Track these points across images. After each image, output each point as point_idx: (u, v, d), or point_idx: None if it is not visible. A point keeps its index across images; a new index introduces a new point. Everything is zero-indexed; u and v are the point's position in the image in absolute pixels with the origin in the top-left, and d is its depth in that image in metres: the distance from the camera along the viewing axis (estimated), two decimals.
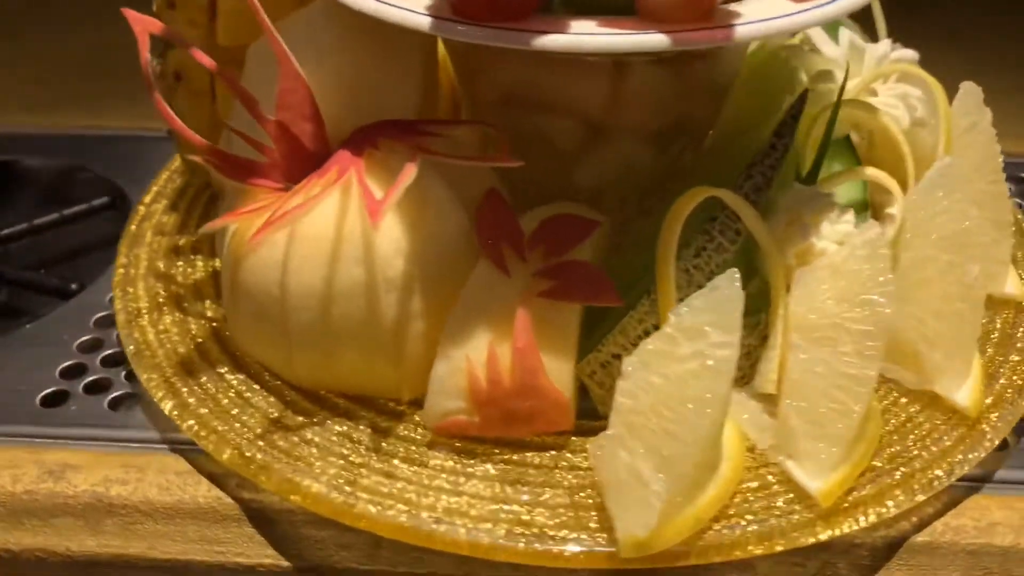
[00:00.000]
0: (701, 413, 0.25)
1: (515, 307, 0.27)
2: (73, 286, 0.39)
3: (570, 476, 0.28)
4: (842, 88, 0.33)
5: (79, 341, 0.35)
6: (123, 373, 0.33)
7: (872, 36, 0.42)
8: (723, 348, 0.25)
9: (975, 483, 0.29)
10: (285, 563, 0.28)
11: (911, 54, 0.38)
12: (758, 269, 0.29)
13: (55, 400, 0.33)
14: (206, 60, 0.30)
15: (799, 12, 0.25)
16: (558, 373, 0.28)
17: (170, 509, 0.29)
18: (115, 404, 0.32)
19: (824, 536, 0.26)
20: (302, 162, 0.30)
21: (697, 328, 0.25)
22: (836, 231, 0.29)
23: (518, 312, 0.27)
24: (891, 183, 0.31)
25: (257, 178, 0.30)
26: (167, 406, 0.30)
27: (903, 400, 0.30)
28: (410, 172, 0.26)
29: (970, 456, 0.28)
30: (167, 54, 0.37)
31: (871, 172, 0.32)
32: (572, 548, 0.25)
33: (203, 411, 0.29)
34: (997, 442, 0.29)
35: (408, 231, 0.28)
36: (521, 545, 0.25)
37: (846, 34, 0.37)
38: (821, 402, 0.27)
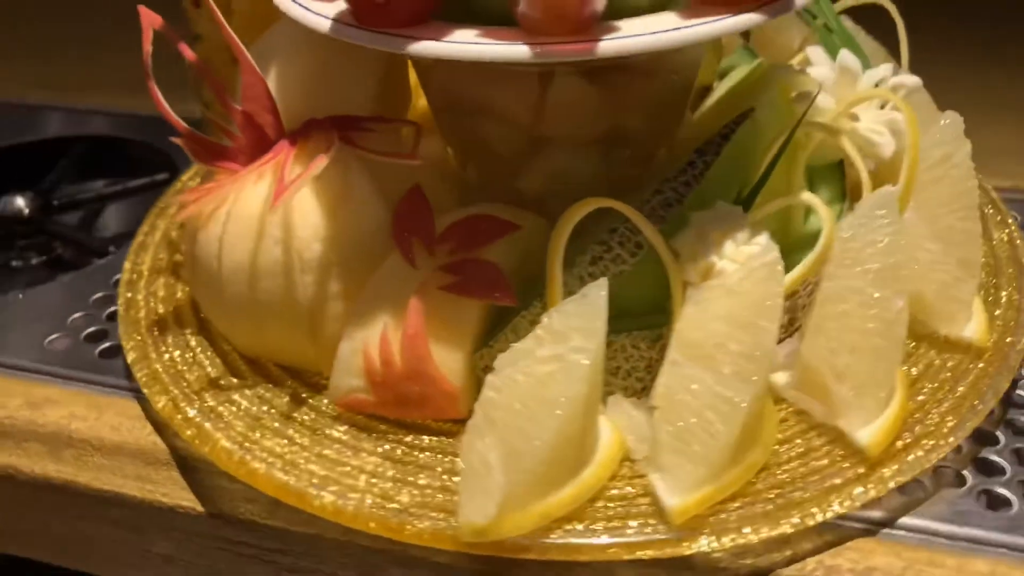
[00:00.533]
0: (551, 414, 0.26)
1: (416, 295, 0.29)
2: (111, 248, 0.44)
3: (447, 461, 0.29)
4: (805, 112, 0.32)
5: (95, 296, 0.40)
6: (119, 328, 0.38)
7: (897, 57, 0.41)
8: (581, 353, 0.26)
9: (871, 526, 0.28)
10: (200, 508, 0.31)
11: (913, 80, 0.36)
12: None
13: (57, 343, 0.38)
14: (188, 53, 0.33)
15: (677, 29, 0.25)
16: (449, 363, 0.29)
17: (115, 447, 0.33)
18: (104, 353, 0.37)
19: (669, 552, 0.26)
20: (263, 150, 0.33)
21: (563, 332, 0.26)
22: (740, 252, 0.28)
23: (412, 301, 0.29)
24: (823, 210, 0.30)
25: (224, 161, 0.33)
26: (130, 357, 0.34)
27: (811, 432, 0.29)
28: (320, 162, 0.29)
29: (854, 495, 0.27)
30: (195, 46, 0.41)
31: (806, 197, 0.31)
32: (419, 524, 0.27)
33: (156, 366, 0.33)
34: (892, 486, 0.27)
35: (327, 218, 0.30)
36: (378, 513, 0.27)
37: (844, 56, 0.36)
38: (691, 420, 0.27)
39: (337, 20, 0.26)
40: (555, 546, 0.26)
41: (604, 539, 0.26)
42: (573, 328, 0.26)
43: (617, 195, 0.31)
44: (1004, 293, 0.34)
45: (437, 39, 0.25)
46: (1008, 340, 0.32)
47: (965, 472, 0.30)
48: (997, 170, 0.43)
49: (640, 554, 0.26)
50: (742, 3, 0.26)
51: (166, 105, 0.33)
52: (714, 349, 0.27)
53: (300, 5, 0.27)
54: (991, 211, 0.39)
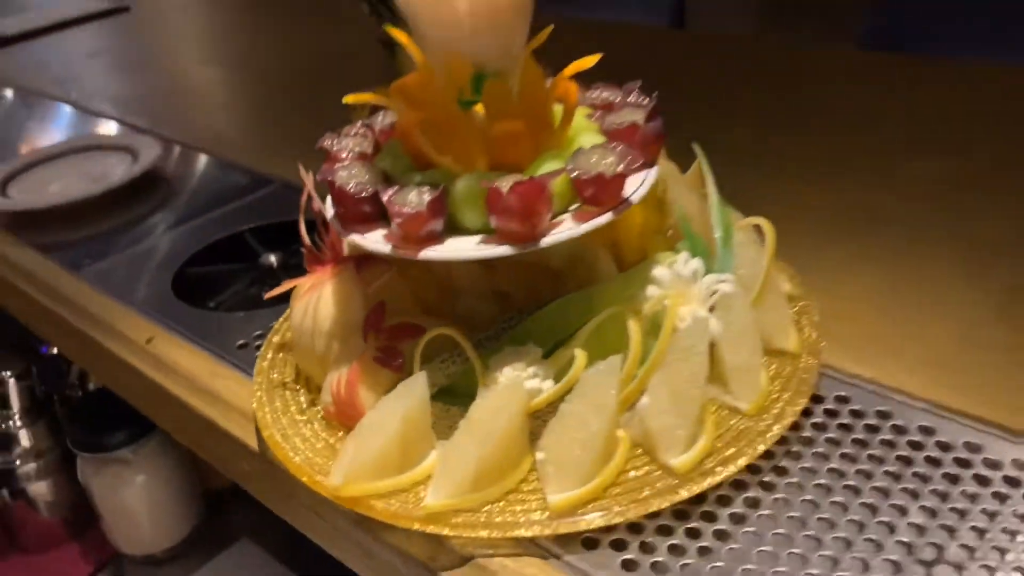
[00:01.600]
0: (388, 425, 0.49)
1: (359, 359, 0.53)
2: None
3: None
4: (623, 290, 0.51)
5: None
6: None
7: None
8: (405, 399, 0.48)
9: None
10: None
11: (727, 287, 0.52)
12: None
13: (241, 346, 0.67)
14: (319, 207, 0.61)
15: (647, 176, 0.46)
16: (367, 399, 0.53)
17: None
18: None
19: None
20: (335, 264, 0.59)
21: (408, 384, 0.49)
22: (515, 374, 0.49)
23: (355, 362, 0.53)
24: (579, 358, 0.49)
25: (316, 265, 0.60)
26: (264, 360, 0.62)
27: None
28: (329, 276, 0.54)
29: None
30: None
31: (577, 350, 0.50)
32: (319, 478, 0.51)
33: (273, 375, 0.61)
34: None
35: (337, 308, 0.55)
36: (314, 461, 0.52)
37: (686, 263, 0.53)
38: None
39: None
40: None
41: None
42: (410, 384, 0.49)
43: (508, 324, 0.52)
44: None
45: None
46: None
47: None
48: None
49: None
50: (603, 208, 0.47)
51: (305, 237, 0.61)
52: None
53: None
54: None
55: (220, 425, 0.61)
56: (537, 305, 0.54)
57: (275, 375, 0.60)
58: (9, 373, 0.85)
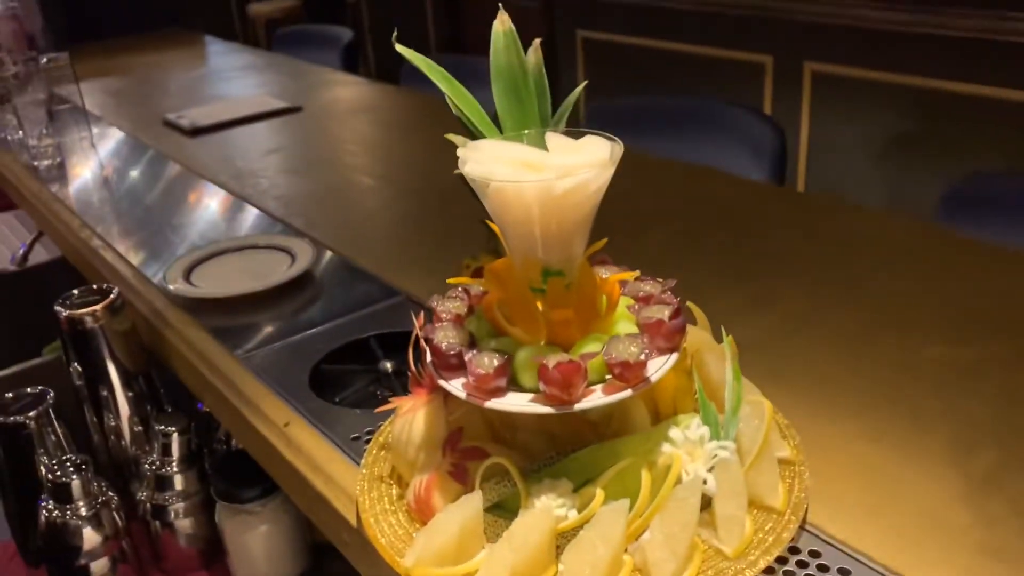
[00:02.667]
0: (451, 523, 0.65)
1: (436, 470, 0.70)
2: None
3: None
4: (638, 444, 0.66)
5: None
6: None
7: None
8: (469, 508, 0.65)
9: None
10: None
11: (726, 453, 0.66)
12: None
13: (354, 439, 0.85)
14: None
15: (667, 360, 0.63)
16: (439, 502, 0.69)
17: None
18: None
19: None
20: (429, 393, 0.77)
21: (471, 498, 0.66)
22: (548, 502, 0.64)
23: (432, 472, 0.70)
24: (598, 499, 0.64)
25: (417, 388, 0.78)
26: (369, 456, 0.80)
27: None
28: (427, 401, 0.72)
29: None
30: None
31: (598, 493, 0.65)
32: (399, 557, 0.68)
33: (375, 470, 0.79)
34: None
35: (427, 427, 0.73)
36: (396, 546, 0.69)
37: (696, 427, 0.68)
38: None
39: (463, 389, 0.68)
40: None
41: None
42: (470, 498, 0.65)
43: (559, 456, 0.69)
44: None
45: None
46: None
47: None
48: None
49: None
50: (627, 384, 0.63)
51: (412, 365, 0.79)
52: None
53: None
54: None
55: (331, 502, 0.79)
56: (577, 446, 0.70)
57: (376, 469, 0.78)
58: (175, 429, 1.07)
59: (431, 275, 0.77)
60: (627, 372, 0.63)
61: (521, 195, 0.62)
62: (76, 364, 1.11)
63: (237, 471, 1.03)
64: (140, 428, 1.14)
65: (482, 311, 0.70)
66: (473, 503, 0.65)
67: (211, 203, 1.53)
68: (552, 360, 0.62)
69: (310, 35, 3.14)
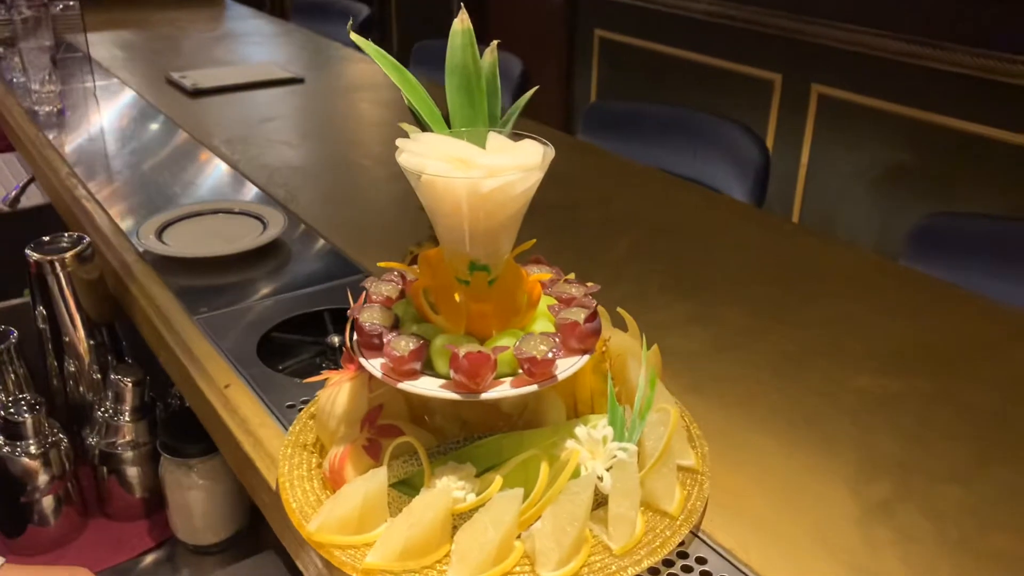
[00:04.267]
0: (353, 493, 0.68)
1: (352, 443, 0.73)
2: None
3: None
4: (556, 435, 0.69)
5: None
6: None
7: None
8: (374, 480, 0.68)
9: None
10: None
11: (624, 454, 0.69)
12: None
13: (289, 406, 0.89)
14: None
15: (578, 360, 0.66)
16: (351, 473, 0.73)
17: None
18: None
19: None
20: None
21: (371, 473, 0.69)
22: (448, 483, 0.67)
23: (348, 444, 0.73)
24: (495, 485, 0.67)
25: (347, 364, 0.81)
26: (299, 423, 0.83)
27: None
28: (353, 377, 0.75)
29: None
30: None
31: (496, 479, 0.68)
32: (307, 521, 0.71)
33: (301, 438, 0.82)
34: None
35: (349, 401, 0.76)
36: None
37: (602, 428, 0.71)
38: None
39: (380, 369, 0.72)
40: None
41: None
42: (375, 473, 0.69)
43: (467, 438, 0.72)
44: None
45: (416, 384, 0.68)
46: None
47: None
48: None
49: None
50: (534, 380, 0.66)
51: (348, 341, 0.82)
52: None
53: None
54: None
55: (256, 464, 0.83)
56: (487, 434, 0.73)
57: (302, 437, 0.81)
58: (130, 380, 1.10)
59: (402, 259, 0.80)
60: (535, 368, 0.66)
61: (450, 190, 0.65)
62: (41, 308, 1.14)
63: (183, 427, 1.07)
64: (98, 376, 1.17)
65: (410, 296, 0.73)
66: (378, 477, 0.68)
67: (199, 165, 1.56)
68: (464, 349, 0.65)
69: (329, 7, 3.16)
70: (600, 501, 0.70)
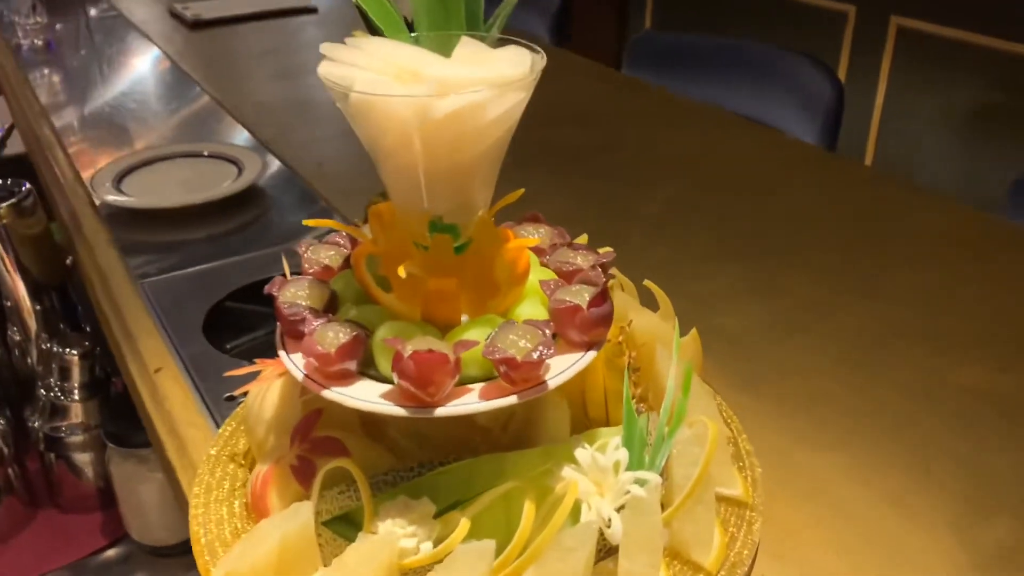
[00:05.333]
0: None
1: (276, 461, 0.55)
2: None
3: None
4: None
5: None
6: None
7: None
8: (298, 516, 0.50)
9: None
10: None
11: (638, 491, 0.50)
12: None
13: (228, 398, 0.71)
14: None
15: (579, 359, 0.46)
16: (274, 498, 0.54)
17: None
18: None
19: None
20: None
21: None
22: (396, 526, 0.49)
23: (271, 464, 0.55)
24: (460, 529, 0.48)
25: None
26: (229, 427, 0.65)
27: None
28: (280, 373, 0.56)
29: None
30: None
31: (463, 522, 0.49)
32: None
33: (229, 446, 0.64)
34: None
35: (280, 403, 0.57)
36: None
37: (613, 449, 0.51)
38: None
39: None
40: None
41: None
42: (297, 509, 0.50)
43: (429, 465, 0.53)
44: None
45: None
46: None
47: None
48: None
49: None
50: (514, 388, 0.46)
51: None
52: None
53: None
54: None
55: (177, 474, 0.65)
56: (457, 455, 0.53)
57: (232, 444, 0.63)
58: (76, 352, 0.93)
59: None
60: (514, 372, 0.46)
61: (391, 115, 0.45)
62: None
63: (131, 411, 0.89)
64: (48, 347, 1.01)
65: (352, 266, 0.53)
66: (301, 515, 0.50)
67: (184, 104, 1.38)
68: (412, 345, 0.46)
69: None
70: (607, 550, 0.51)
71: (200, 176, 1.07)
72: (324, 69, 0.46)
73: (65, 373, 0.95)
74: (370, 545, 0.48)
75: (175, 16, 1.81)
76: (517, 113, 0.47)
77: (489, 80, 0.44)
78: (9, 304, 0.98)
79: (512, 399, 0.47)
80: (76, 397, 0.96)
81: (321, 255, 0.57)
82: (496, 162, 0.49)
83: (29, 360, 1.02)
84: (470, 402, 0.47)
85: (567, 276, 0.53)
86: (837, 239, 0.94)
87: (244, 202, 1.02)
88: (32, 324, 1.00)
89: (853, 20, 2.56)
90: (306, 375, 0.49)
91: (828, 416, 0.67)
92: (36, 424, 0.97)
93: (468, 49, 0.48)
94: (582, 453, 0.51)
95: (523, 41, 0.49)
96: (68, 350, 0.94)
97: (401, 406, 0.47)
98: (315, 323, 0.49)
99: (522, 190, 0.53)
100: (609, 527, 0.49)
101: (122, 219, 0.98)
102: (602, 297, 0.49)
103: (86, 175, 1.10)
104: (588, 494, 0.50)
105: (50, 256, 1.00)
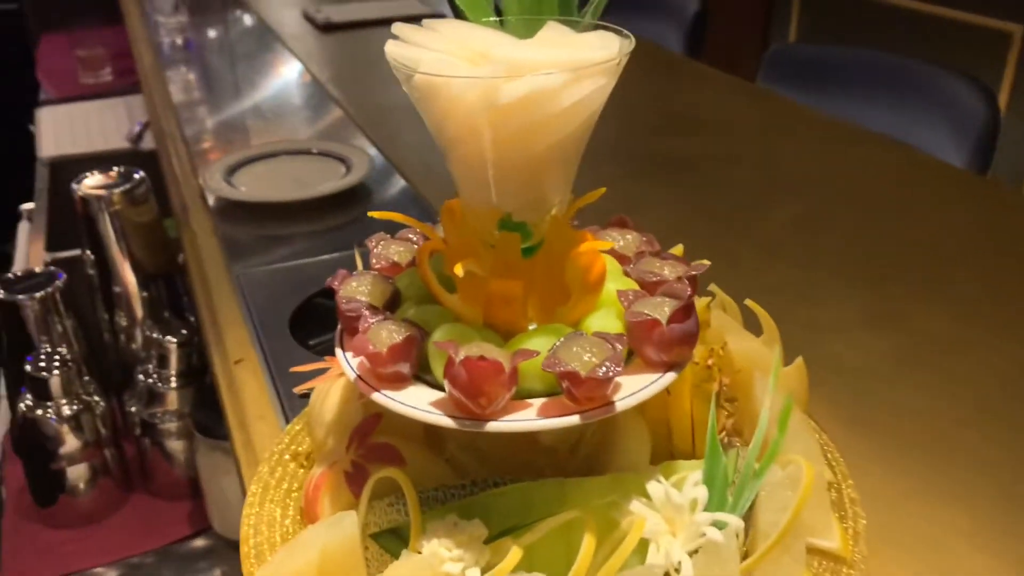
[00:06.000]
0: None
1: (331, 466, 0.52)
2: None
3: None
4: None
5: None
6: None
7: None
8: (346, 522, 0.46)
9: None
10: None
11: (715, 533, 0.44)
12: None
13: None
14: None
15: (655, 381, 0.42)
16: (325, 509, 0.51)
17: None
18: None
19: None
20: None
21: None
22: (443, 545, 0.44)
23: (327, 468, 0.52)
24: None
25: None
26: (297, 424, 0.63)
27: None
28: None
29: None
30: None
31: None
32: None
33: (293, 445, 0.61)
34: None
35: (341, 404, 0.54)
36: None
37: (692, 486, 0.46)
38: None
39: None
40: None
41: None
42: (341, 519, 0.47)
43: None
44: None
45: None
46: None
47: None
48: None
49: None
50: (578, 407, 0.42)
51: None
52: None
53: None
54: None
55: (241, 469, 0.63)
56: (517, 476, 0.49)
57: (297, 443, 0.60)
58: (174, 339, 0.94)
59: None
60: (576, 389, 0.42)
61: (457, 100, 0.41)
62: (89, 252, 1.00)
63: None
64: (151, 335, 1.03)
65: (416, 263, 0.50)
66: (344, 525, 0.46)
67: (307, 104, 1.40)
68: (463, 351, 0.42)
69: None
70: None
71: (308, 173, 1.07)
72: (391, 48, 0.43)
73: (163, 360, 0.96)
74: (411, 566, 0.44)
75: (308, 19, 1.85)
76: (598, 102, 0.42)
77: (564, 63, 0.40)
78: (118, 290, 1.00)
79: (574, 419, 0.42)
80: (173, 384, 0.97)
81: (391, 251, 0.53)
82: (574, 156, 0.45)
83: (134, 346, 1.04)
84: (526, 418, 0.42)
85: (650, 288, 0.48)
86: (980, 271, 0.85)
87: (348, 200, 1.01)
88: (139, 311, 1.02)
89: (1020, 41, 2.37)
90: (358, 376, 0.46)
91: (951, 467, 0.59)
92: (134, 409, 0.99)
93: (550, 32, 0.44)
94: (655, 487, 0.46)
95: (612, 26, 0.44)
96: (167, 337, 0.95)
97: (451, 416, 0.42)
98: (371, 320, 0.46)
99: (603, 189, 0.48)
100: (679, 572, 0.44)
101: (230, 212, 0.99)
102: (685, 312, 0.44)
103: (201, 168, 1.12)
104: (658, 533, 0.45)
105: (160, 246, 1.02)
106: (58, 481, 0.96)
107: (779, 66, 1.68)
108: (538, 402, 0.43)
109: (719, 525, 0.44)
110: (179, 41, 1.66)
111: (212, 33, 1.76)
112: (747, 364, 0.56)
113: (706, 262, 0.52)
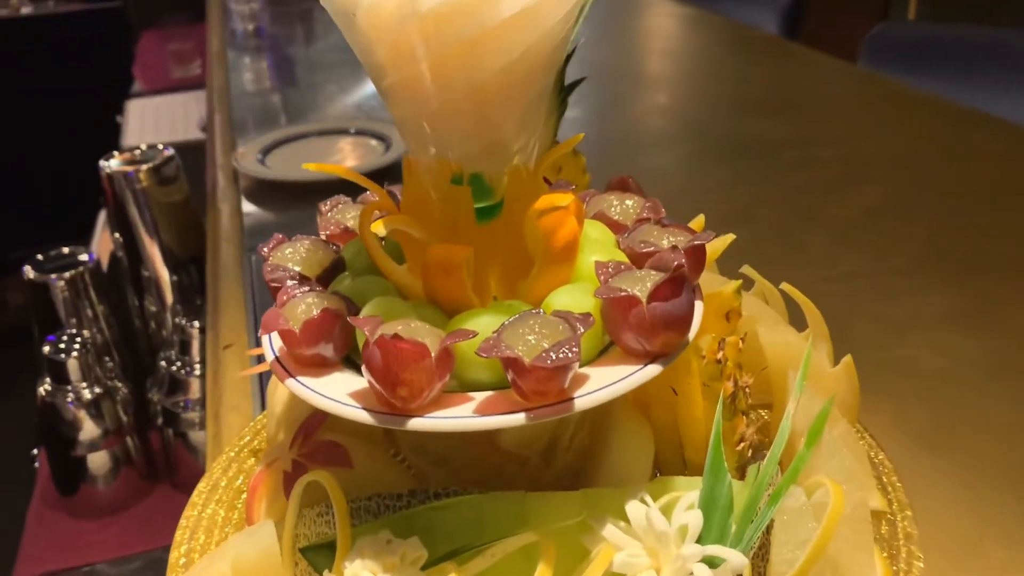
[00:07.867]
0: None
1: (270, 464, 0.44)
2: None
3: None
4: None
5: None
6: None
7: None
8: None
9: None
10: None
11: (703, 572, 0.34)
12: None
13: None
14: None
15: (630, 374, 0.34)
16: (258, 511, 0.44)
17: None
18: None
19: None
20: None
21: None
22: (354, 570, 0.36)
23: (265, 467, 0.44)
24: None
25: None
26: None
27: None
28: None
29: None
30: None
31: None
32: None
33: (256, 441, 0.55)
34: None
35: (290, 396, 0.47)
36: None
37: (683, 510, 0.36)
38: None
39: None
40: None
41: None
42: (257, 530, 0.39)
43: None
44: None
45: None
46: None
47: None
48: None
49: None
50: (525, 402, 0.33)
51: None
52: None
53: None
54: None
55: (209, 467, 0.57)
56: (490, 484, 0.40)
57: (257, 440, 0.53)
58: (196, 324, 0.89)
59: None
60: (521, 379, 0.33)
61: (384, 16, 0.33)
62: (117, 234, 0.97)
63: None
64: (177, 320, 0.98)
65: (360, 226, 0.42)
66: (260, 537, 0.39)
67: (367, 86, 1.34)
68: (380, 329, 0.33)
69: None
70: None
71: (349, 150, 1.00)
72: None
73: (185, 346, 0.92)
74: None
75: None
76: (551, 21, 0.33)
77: None
78: (147, 274, 0.96)
79: (519, 417, 0.33)
80: (195, 372, 0.92)
81: (347, 216, 0.46)
82: (536, 92, 0.36)
83: (165, 332, 1.00)
84: (460, 415, 0.34)
85: (639, 260, 0.38)
86: None
87: (383, 180, 0.94)
88: (168, 296, 0.98)
89: None
90: (276, 358, 0.38)
91: None
92: (155, 397, 0.94)
93: None
94: (635, 508, 0.36)
95: None
96: (188, 321, 0.90)
97: (369, 410, 0.34)
98: (294, 293, 0.38)
99: (581, 135, 0.39)
100: None
101: (258, 192, 0.94)
102: (672, 287, 0.34)
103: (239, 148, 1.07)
104: (634, 567, 0.35)
105: (190, 229, 0.97)
106: (79, 469, 0.92)
107: (880, 48, 1.53)
108: (481, 396, 0.35)
109: (712, 562, 0.35)
110: (250, 28, 1.64)
111: (283, 18, 1.73)
112: (780, 362, 0.46)
113: (731, 236, 0.42)
